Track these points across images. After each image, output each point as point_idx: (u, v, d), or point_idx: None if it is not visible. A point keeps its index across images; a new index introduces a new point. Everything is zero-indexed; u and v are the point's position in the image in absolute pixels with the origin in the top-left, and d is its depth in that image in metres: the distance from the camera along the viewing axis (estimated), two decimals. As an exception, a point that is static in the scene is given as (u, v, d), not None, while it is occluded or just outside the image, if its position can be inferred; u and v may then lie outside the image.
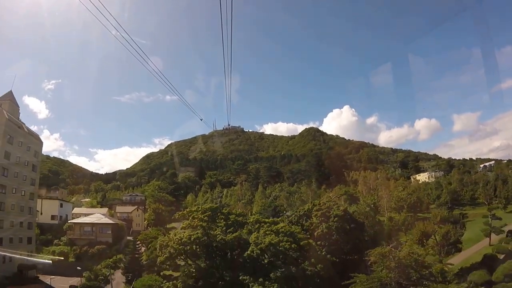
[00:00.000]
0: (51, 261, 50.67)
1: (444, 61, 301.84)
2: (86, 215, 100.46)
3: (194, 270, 34.54)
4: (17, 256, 52.14)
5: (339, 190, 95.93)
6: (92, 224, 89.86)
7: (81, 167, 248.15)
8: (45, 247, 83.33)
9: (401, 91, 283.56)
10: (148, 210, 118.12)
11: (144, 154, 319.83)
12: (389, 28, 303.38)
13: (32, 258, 50.10)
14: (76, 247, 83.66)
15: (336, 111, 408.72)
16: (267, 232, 37.88)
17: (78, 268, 66.03)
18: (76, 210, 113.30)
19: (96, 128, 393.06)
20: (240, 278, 34.76)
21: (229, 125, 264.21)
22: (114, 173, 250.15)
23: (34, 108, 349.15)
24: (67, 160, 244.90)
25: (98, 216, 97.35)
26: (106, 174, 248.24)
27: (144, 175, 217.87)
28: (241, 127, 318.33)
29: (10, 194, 70.33)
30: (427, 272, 35.34)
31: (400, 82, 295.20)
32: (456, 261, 54.67)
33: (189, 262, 35.64)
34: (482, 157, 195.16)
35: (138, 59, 15.92)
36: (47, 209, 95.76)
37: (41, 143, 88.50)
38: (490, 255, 49.73)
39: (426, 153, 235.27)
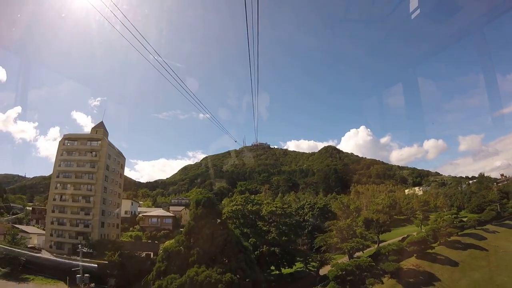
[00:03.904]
0: (96, 265, 54.42)
1: (452, 86, 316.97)
2: (148, 211, 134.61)
3: (237, 223, 68.43)
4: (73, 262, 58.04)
5: (332, 196, 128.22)
6: (158, 216, 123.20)
7: (126, 175, 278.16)
8: (124, 232, 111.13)
9: (411, 114, 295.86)
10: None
11: (179, 166, 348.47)
12: (400, 54, 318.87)
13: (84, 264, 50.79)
14: (147, 232, 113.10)
15: (353, 130, 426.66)
16: (271, 206, 70.88)
17: (155, 242, 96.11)
18: (139, 209, 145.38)
19: (136, 141, 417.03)
20: (258, 227, 67.85)
21: (257, 142, 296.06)
22: (156, 181, 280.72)
23: (81, 122, 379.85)
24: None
25: (161, 211, 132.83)
26: (148, 182, 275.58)
27: (184, 184, 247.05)
28: (268, 143, 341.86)
29: (108, 193, 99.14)
30: (352, 232, 68.60)
31: (411, 105, 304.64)
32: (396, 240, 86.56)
33: (234, 221, 69.76)
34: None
35: (173, 84, 18.29)
36: (122, 206, 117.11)
37: (124, 158, 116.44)
38: (410, 235, 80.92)
39: (429, 170, 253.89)
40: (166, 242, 72.90)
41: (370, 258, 58.17)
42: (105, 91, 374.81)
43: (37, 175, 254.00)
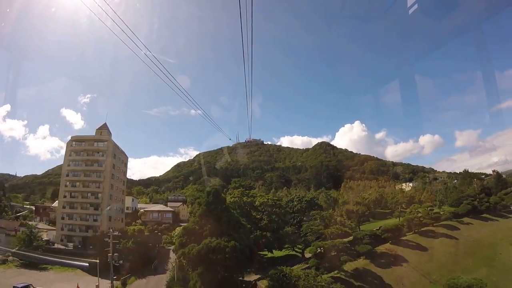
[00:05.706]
0: (87, 264, 60.50)
1: (449, 82, 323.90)
2: (148, 207, 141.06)
3: (235, 213, 77.34)
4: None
5: (321, 191, 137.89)
6: (159, 211, 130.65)
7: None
8: (127, 226, 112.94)
9: (408, 110, 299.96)
10: (191, 205, 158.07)
11: (171, 163, 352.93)
12: (397, 50, 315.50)
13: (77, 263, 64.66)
14: (149, 226, 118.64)
15: (347, 126, 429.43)
16: (263, 198, 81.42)
17: (159, 233, 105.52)
18: (139, 205, 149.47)
19: (127, 138, 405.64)
20: (252, 215, 77.61)
21: (250, 138, 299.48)
22: (149, 179, 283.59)
23: (71, 120, 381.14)
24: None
25: (161, 206, 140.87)
26: (140, 180, 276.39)
27: (178, 181, 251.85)
28: (261, 140, 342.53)
29: (114, 190, 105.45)
30: (333, 220, 78.15)
31: (407, 101, 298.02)
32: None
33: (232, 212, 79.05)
34: (481, 171, 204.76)
35: (163, 79, 18.78)
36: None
37: (126, 157, 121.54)
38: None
39: (423, 166, 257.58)
40: (177, 228, 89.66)
41: (345, 241, 67.95)
42: (94, 88, 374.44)
43: (28, 174, 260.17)
